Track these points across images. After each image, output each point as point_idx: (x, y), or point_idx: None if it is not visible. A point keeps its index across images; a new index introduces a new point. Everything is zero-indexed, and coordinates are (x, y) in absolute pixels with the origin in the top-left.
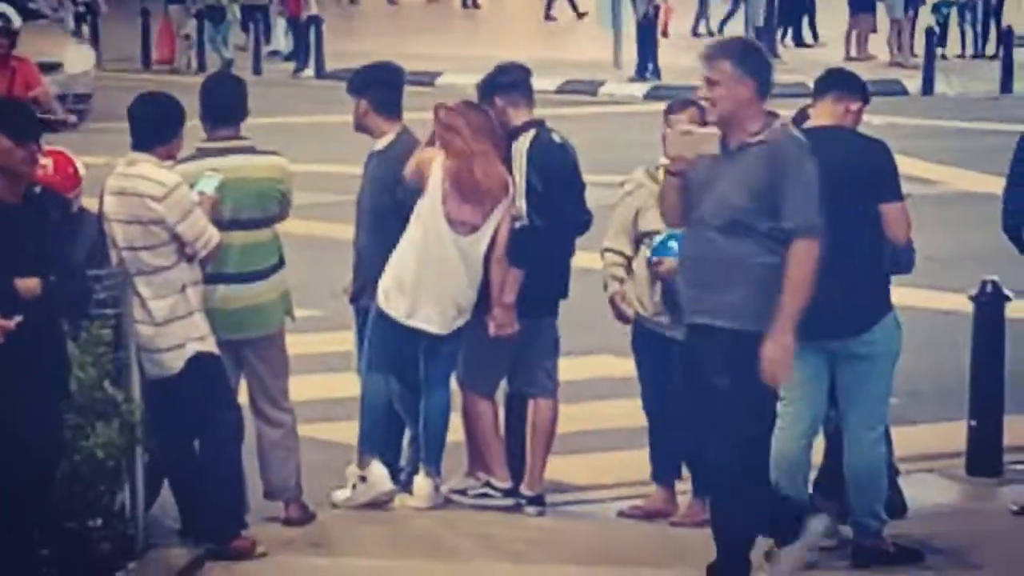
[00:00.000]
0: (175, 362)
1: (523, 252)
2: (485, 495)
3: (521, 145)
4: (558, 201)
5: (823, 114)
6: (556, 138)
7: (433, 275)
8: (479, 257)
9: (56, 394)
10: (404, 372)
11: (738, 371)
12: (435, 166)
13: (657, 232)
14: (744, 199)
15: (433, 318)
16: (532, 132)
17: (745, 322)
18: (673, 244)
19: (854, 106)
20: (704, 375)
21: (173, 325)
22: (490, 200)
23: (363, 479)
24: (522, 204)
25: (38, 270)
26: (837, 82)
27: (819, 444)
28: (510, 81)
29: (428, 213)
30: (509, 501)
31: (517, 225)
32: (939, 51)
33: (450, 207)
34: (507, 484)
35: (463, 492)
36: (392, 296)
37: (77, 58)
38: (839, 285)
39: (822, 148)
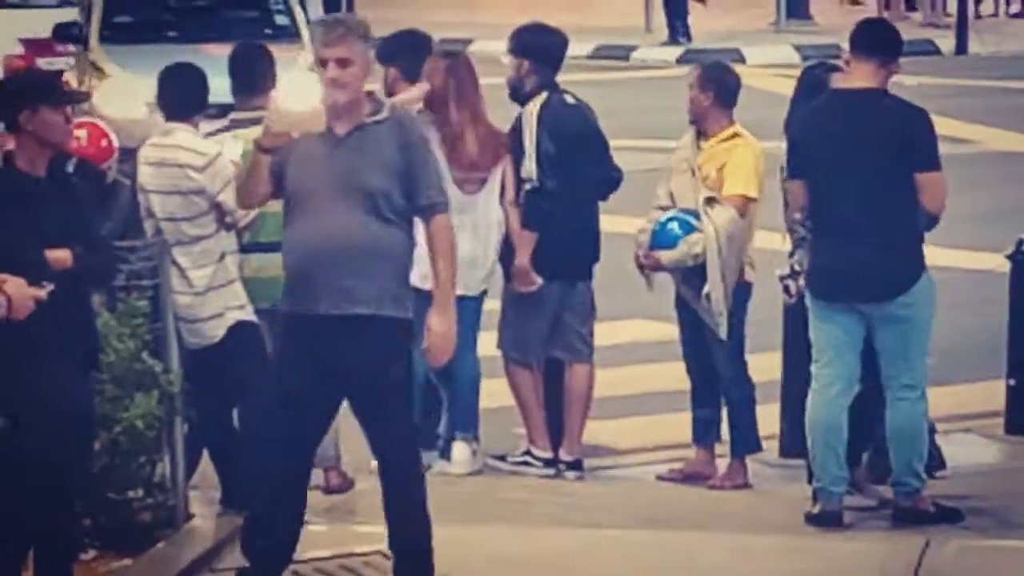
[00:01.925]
0: (216, 331)
1: (534, 214)
2: (525, 463)
3: (532, 108)
4: (573, 163)
5: (862, 75)
6: (569, 99)
7: None
8: (494, 210)
9: (85, 365)
10: None
11: (396, 359)
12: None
13: (675, 197)
14: (379, 180)
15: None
16: (544, 95)
17: (392, 308)
18: (674, 226)
19: (894, 66)
20: (364, 369)
21: (213, 294)
22: (490, 157)
23: None
24: (532, 166)
25: (65, 242)
26: (880, 42)
27: None
28: (540, 43)
29: None
30: (549, 471)
31: (528, 187)
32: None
33: (453, 175)
34: (547, 454)
35: (502, 458)
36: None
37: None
38: (875, 249)
39: (860, 112)
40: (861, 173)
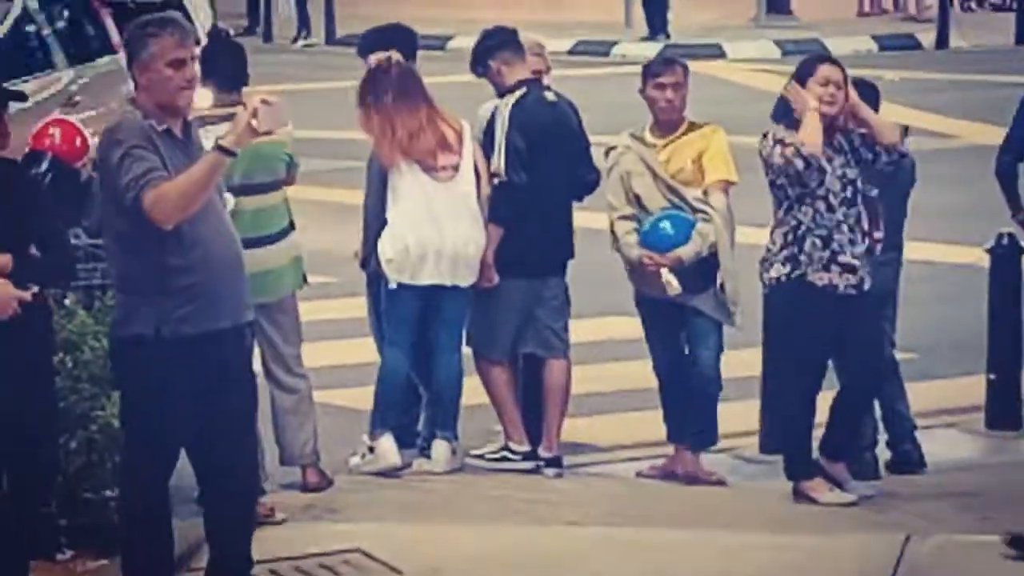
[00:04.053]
0: None
1: (501, 209)
2: (504, 459)
3: (505, 103)
4: (544, 160)
5: None
6: (549, 96)
7: (430, 229)
8: (470, 195)
9: (42, 364)
10: (420, 338)
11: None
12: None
13: (643, 200)
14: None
15: (442, 271)
16: (521, 91)
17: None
18: (666, 226)
19: None
20: (232, 380)
21: None
22: (454, 143)
23: (372, 450)
24: (500, 161)
25: (19, 243)
26: None
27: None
28: (497, 43)
29: (405, 177)
30: (528, 464)
31: (495, 182)
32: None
33: (424, 164)
34: (525, 447)
35: (481, 456)
36: (397, 262)
37: None
38: None
39: None
40: None
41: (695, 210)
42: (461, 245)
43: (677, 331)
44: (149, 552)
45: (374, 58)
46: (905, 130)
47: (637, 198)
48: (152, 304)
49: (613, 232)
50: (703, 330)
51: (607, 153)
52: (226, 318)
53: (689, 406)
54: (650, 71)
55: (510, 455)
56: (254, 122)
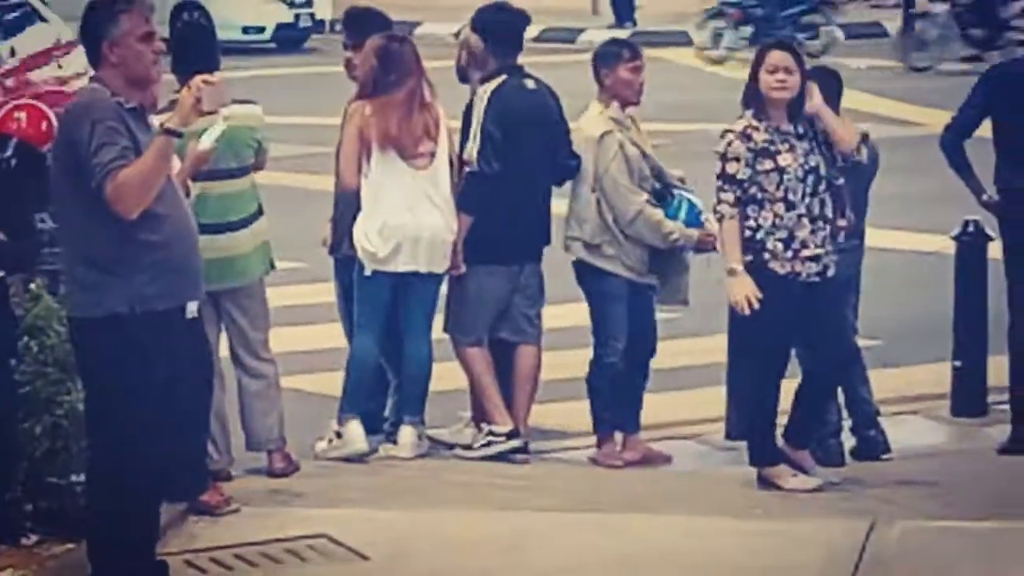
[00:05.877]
0: None
1: (469, 197)
2: (490, 443)
3: (485, 90)
4: (521, 148)
5: None
6: (530, 84)
7: (407, 216)
8: (445, 181)
9: (3, 349)
10: (390, 323)
11: None
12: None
13: (643, 183)
14: None
15: (418, 258)
16: (501, 78)
17: None
18: (687, 205)
19: None
20: (194, 360)
21: None
22: (433, 130)
23: (339, 435)
24: (474, 149)
25: None
26: None
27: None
28: (488, 24)
29: (382, 164)
30: (515, 443)
31: (467, 170)
32: None
33: (402, 153)
34: (508, 427)
35: (468, 447)
36: (374, 249)
37: None
38: None
39: None
40: None
41: (677, 189)
42: (438, 232)
43: (643, 317)
44: (134, 538)
45: (376, 39)
46: (864, 137)
47: (641, 180)
48: (124, 281)
49: (642, 217)
50: (650, 312)
51: (600, 138)
52: (192, 294)
53: (627, 389)
54: (621, 56)
55: (494, 439)
56: (200, 98)
